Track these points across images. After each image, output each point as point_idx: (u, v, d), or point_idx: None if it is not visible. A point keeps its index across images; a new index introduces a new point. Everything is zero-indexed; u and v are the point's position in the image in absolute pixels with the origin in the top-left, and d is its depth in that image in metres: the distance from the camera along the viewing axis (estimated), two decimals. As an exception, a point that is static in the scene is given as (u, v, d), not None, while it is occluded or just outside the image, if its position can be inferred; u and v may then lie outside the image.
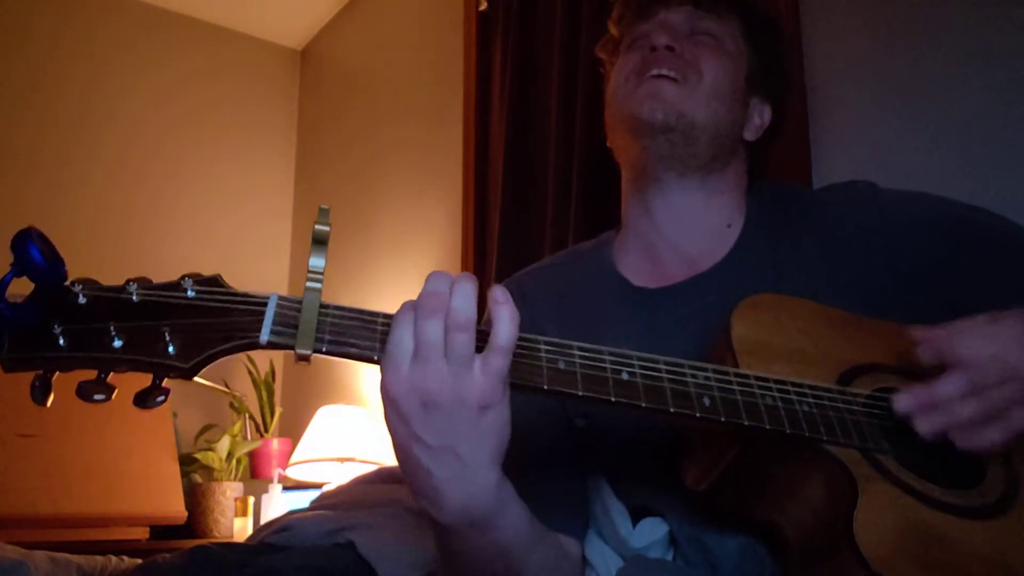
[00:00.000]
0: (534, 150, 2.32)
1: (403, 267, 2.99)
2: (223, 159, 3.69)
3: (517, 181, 2.34)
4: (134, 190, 3.43)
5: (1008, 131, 1.42)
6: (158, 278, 0.68)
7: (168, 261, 3.30)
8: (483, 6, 2.64)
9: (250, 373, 3.21)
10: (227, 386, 3.13)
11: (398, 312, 0.68)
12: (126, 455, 2.61)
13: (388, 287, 3.04)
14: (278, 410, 3.32)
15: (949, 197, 1.05)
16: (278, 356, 3.35)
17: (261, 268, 3.67)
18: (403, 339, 0.67)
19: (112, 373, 0.63)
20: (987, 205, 1.04)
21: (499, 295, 0.69)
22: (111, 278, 0.67)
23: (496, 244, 2.34)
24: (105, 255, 3.17)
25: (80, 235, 3.19)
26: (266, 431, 3.20)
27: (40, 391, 0.62)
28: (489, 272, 2.38)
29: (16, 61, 3.27)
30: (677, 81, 1.01)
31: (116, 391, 0.63)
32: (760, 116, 1.11)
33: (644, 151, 1.03)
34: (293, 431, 3.13)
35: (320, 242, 0.69)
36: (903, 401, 0.77)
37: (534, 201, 2.29)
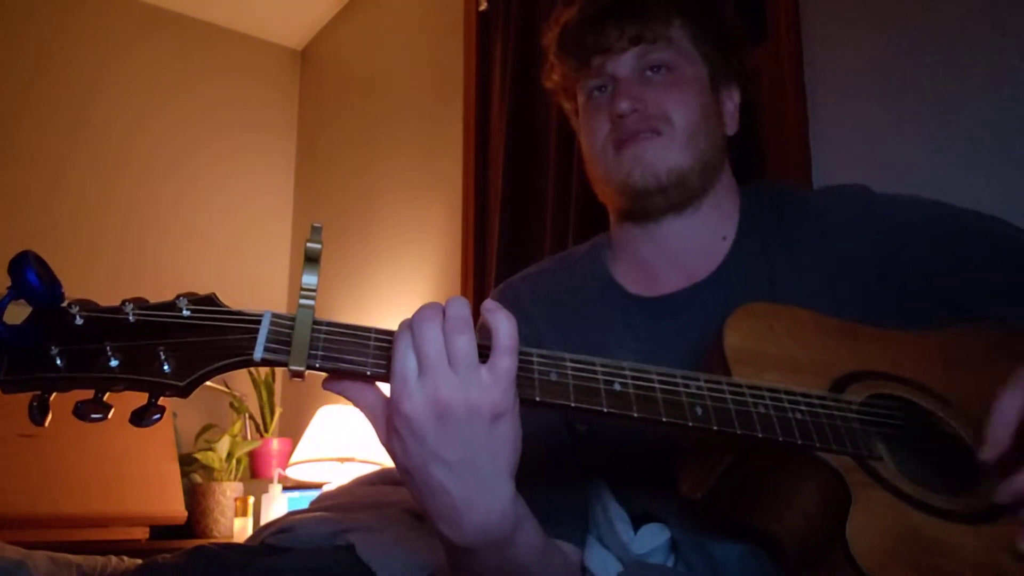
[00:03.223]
0: (534, 150, 2.31)
1: (403, 268, 2.99)
2: (223, 159, 3.68)
3: (517, 181, 2.34)
4: (134, 190, 3.43)
5: (1008, 131, 1.42)
6: (158, 277, 0.69)
7: (168, 261, 3.31)
8: (483, 6, 2.64)
9: (250, 373, 3.21)
10: (227, 386, 3.13)
11: (396, 332, 0.69)
12: (126, 455, 2.61)
13: (388, 288, 3.04)
14: (278, 410, 3.32)
15: (944, 199, 1.05)
16: (278, 356, 3.35)
17: (261, 268, 3.67)
18: (406, 356, 0.67)
19: (109, 392, 0.64)
20: (987, 205, 1.04)
21: (489, 304, 0.69)
22: (110, 278, 0.67)
23: (496, 244, 2.34)
24: (105, 255, 3.18)
25: (80, 235, 3.19)
26: (266, 431, 3.21)
27: (38, 411, 0.62)
28: (489, 273, 2.38)
29: (16, 61, 3.27)
30: (653, 135, 1.00)
31: (113, 410, 0.63)
32: (731, 101, 1.10)
33: (642, 208, 1.04)
34: (293, 431, 3.13)
35: (312, 260, 0.69)
36: (1006, 492, 0.74)
37: (534, 201, 2.29)
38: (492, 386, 0.66)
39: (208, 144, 3.66)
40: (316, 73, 3.92)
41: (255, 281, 3.60)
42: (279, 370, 3.38)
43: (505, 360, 0.67)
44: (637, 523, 0.97)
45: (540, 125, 2.30)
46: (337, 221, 3.36)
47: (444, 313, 0.67)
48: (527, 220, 2.30)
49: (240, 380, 3.22)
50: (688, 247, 1.05)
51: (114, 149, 3.42)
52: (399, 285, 2.98)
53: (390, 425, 0.69)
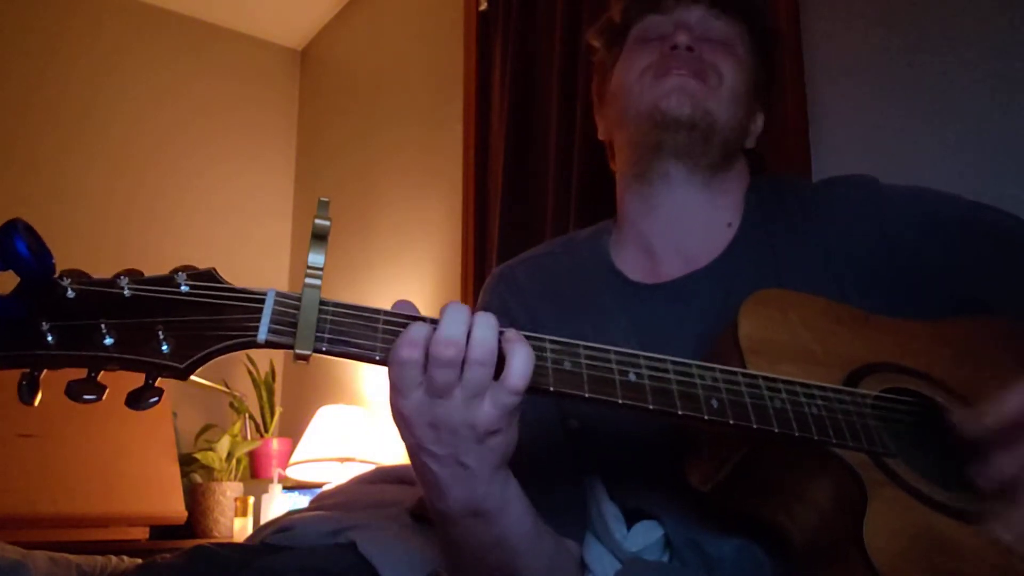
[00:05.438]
0: (534, 150, 2.30)
1: (403, 267, 2.98)
2: (223, 159, 3.68)
3: (517, 181, 2.33)
4: (134, 190, 3.42)
5: (1009, 129, 1.41)
6: (158, 278, 0.66)
7: (168, 261, 3.22)
8: (483, 6, 2.63)
9: (250, 373, 3.20)
10: (227, 386, 3.13)
11: (404, 343, 0.65)
12: (126, 455, 2.60)
13: (388, 288, 3.04)
14: (278, 410, 3.31)
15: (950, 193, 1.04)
16: (278, 355, 3.34)
17: (261, 269, 3.66)
18: (410, 375, 0.65)
19: (103, 372, 0.60)
20: (988, 203, 1.03)
21: (512, 334, 0.67)
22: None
23: (496, 244, 2.33)
24: (104, 255, 3.16)
25: (79, 235, 3.17)
26: (266, 431, 3.20)
27: (28, 390, 0.59)
28: (489, 273, 2.37)
29: (17, 61, 3.27)
30: (699, 80, 1.01)
31: (107, 391, 0.60)
32: (756, 124, 1.13)
33: (660, 144, 1.02)
34: (293, 431, 3.12)
35: (320, 237, 0.66)
36: (987, 477, 0.72)
37: (534, 201, 2.28)
38: (491, 413, 0.66)
39: (208, 144, 3.64)
40: (316, 73, 3.92)
41: (255, 282, 3.55)
42: (279, 369, 3.40)
43: (511, 399, 0.66)
44: (631, 520, 0.96)
45: (540, 124, 2.29)
46: (337, 221, 3.30)
47: (468, 341, 0.65)
48: (527, 219, 2.29)
49: (240, 380, 3.21)
50: (689, 226, 1.04)
51: (114, 149, 3.41)
52: (399, 285, 2.97)
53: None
